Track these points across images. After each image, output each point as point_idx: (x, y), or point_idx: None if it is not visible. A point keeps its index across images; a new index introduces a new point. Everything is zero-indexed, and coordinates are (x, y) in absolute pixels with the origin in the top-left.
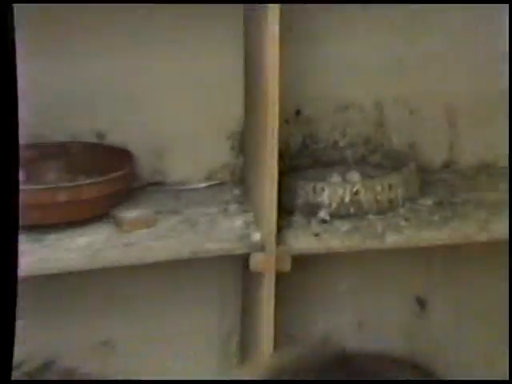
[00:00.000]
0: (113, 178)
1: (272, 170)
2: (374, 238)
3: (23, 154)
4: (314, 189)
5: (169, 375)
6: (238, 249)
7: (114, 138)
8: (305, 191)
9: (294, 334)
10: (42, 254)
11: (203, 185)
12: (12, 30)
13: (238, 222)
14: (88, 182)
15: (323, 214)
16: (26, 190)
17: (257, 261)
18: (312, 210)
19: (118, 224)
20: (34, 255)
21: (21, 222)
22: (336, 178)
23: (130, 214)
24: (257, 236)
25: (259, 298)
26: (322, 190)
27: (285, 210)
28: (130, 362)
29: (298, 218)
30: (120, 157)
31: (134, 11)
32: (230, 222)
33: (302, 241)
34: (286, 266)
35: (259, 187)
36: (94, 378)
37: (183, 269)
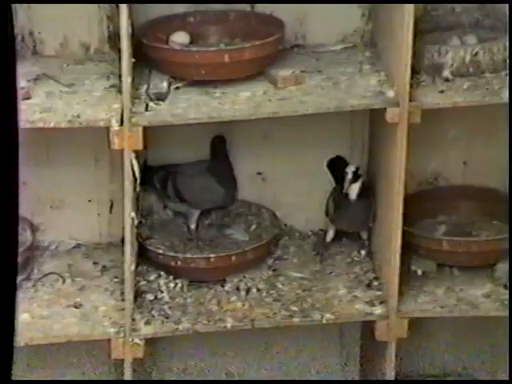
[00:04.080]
0: (268, 41)
1: (407, 33)
2: (493, 95)
3: (187, 20)
4: (439, 51)
5: None
6: (376, 104)
7: (263, 7)
8: (430, 53)
9: (412, 171)
10: (213, 104)
11: (339, 47)
12: (12, 28)
13: (373, 80)
14: (249, 45)
15: (446, 73)
16: (197, 51)
17: (393, 114)
18: (436, 70)
19: (273, 81)
20: (206, 106)
21: (190, 78)
22: (455, 41)
23: (282, 72)
24: (391, 93)
25: (393, 146)
26: (446, 52)
27: (412, 71)
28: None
29: (424, 77)
30: (271, 23)
31: None
32: (366, 80)
33: (430, 97)
34: (417, 119)
35: (391, 50)
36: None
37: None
